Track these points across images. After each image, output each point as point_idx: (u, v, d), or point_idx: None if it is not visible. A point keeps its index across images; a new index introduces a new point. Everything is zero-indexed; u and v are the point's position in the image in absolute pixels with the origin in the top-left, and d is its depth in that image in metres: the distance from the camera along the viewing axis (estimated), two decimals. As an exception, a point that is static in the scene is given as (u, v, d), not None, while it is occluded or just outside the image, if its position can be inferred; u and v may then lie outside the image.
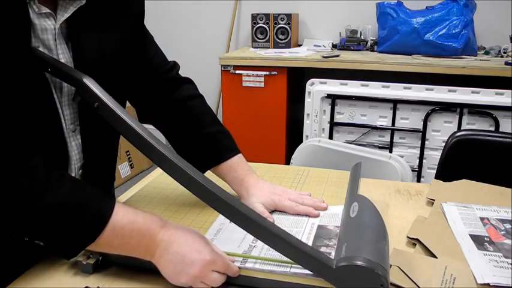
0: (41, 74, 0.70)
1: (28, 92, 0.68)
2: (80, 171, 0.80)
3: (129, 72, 0.85)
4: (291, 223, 0.83)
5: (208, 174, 0.88)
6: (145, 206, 0.93)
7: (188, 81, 0.98)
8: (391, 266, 0.67)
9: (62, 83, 0.73)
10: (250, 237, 0.74)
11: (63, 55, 0.73)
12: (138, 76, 0.89)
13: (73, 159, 0.78)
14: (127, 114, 0.71)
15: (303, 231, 0.80)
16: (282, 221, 0.84)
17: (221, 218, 0.85)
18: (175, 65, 0.97)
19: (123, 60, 0.81)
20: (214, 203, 0.67)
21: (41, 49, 0.70)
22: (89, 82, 0.71)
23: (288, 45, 2.78)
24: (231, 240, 0.77)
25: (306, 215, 0.85)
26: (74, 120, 0.77)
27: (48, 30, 0.70)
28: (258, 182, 0.90)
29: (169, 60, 0.97)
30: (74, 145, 0.78)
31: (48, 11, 0.69)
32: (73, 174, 0.79)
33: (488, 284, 0.65)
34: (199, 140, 0.92)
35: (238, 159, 0.92)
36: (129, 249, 0.67)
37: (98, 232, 0.64)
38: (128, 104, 0.92)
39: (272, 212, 0.87)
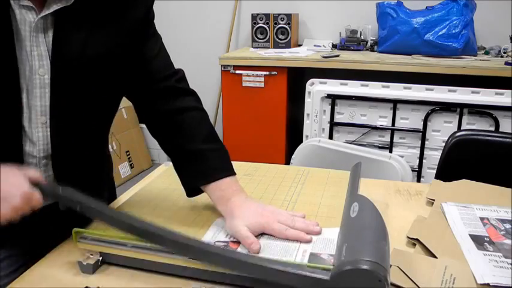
0: (7, 63, 0.70)
1: None
2: (44, 161, 0.80)
3: (121, 73, 0.84)
4: (280, 250, 0.73)
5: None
6: (145, 206, 0.93)
7: (190, 93, 0.91)
8: (391, 266, 0.67)
9: (33, 74, 0.74)
10: None
11: (37, 48, 0.73)
12: (132, 78, 0.86)
13: (35, 150, 0.78)
14: (107, 207, 0.72)
15: (293, 260, 0.70)
16: (269, 248, 0.74)
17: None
18: (176, 72, 0.90)
19: (112, 61, 0.80)
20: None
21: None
22: (66, 192, 0.69)
23: (288, 45, 2.78)
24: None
25: (297, 240, 0.76)
26: (44, 113, 0.77)
27: (26, 22, 0.71)
28: (245, 202, 0.82)
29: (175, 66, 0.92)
30: (41, 136, 0.78)
31: (30, 4, 0.70)
32: (34, 166, 0.79)
33: (488, 284, 0.65)
34: (187, 156, 0.87)
35: (228, 180, 0.85)
36: None
37: None
38: (130, 103, 0.92)
39: (260, 235, 0.78)
